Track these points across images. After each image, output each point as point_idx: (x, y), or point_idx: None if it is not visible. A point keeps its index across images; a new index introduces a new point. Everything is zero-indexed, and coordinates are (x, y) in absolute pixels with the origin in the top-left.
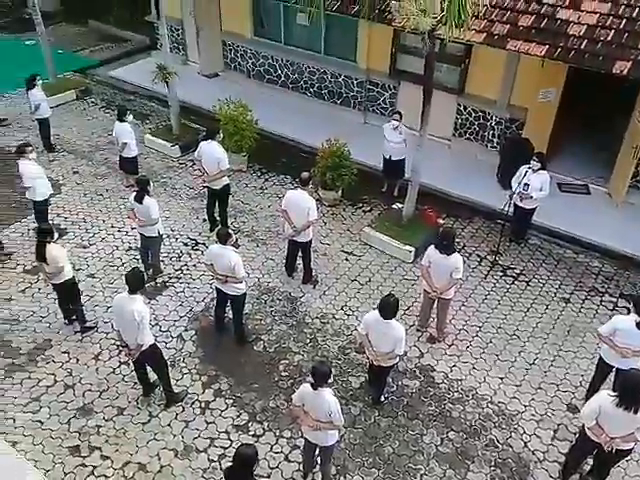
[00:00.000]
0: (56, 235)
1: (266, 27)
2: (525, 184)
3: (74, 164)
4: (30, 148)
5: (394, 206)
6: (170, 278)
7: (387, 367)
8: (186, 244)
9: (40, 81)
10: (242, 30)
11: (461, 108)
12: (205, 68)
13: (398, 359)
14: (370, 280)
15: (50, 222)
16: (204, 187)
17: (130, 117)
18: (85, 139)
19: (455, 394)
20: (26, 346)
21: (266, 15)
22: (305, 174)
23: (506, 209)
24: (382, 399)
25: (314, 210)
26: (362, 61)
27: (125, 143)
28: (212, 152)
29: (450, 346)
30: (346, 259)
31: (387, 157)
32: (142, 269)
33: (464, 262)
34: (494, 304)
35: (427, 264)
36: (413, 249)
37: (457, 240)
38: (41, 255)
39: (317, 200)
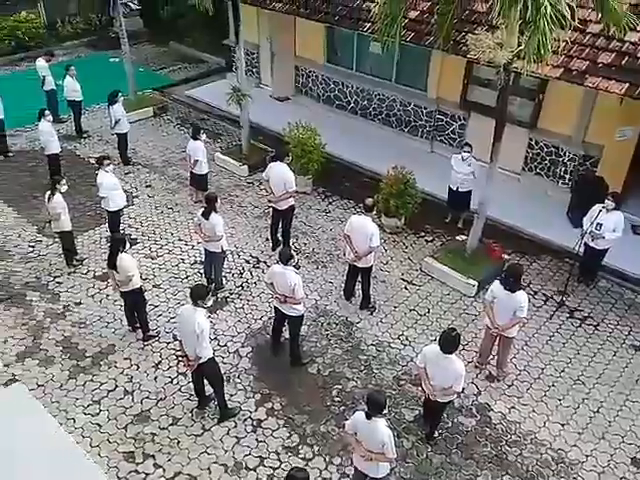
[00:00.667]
0: (128, 245)
1: (339, 54)
2: (598, 224)
3: (147, 178)
4: (109, 160)
5: (458, 238)
6: (231, 294)
7: (443, 403)
8: (248, 261)
9: (122, 97)
10: (315, 56)
11: (533, 142)
12: (277, 91)
13: (455, 395)
14: (429, 311)
15: (122, 232)
16: (269, 207)
17: (204, 136)
18: (159, 154)
19: (512, 436)
20: (91, 350)
21: (339, 43)
22: (369, 200)
23: (576, 248)
24: (436, 435)
25: (377, 237)
26: (432, 90)
27: (197, 160)
28: (280, 173)
29: (510, 386)
30: (405, 288)
31: (454, 188)
32: (205, 283)
33: (529, 300)
34: (558, 346)
35: (491, 299)
36: (476, 283)
37: (523, 277)
38: (113, 263)
39: (379, 226)
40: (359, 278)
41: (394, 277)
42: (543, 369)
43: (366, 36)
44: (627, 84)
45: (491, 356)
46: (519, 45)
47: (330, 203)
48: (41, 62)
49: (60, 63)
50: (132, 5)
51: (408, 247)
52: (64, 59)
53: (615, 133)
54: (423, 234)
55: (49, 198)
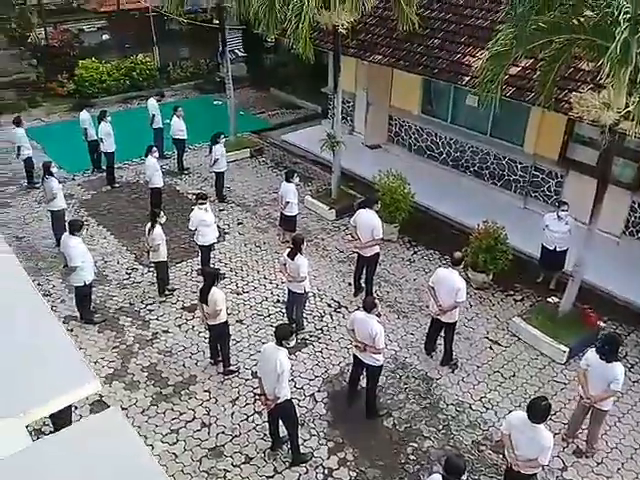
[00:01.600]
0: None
1: (434, 106)
2: None
3: (240, 216)
4: (204, 201)
5: (549, 299)
6: (310, 336)
7: (526, 475)
8: (330, 305)
9: (224, 138)
10: (410, 107)
11: (636, 205)
12: (369, 139)
13: (540, 468)
14: (515, 375)
15: (212, 266)
16: (354, 252)
17: (297, 179)
18: (252, 194)
19: None
20: (174, 378)
21: (435, 94)
22: (458, 254)
23: None
24: None
25: (463, 292)
26: (529, 146)
27: (288, 202)
28: (368, 220)
29: (599, 464)
30: (490, 347)
31: (551, 248)
32: (288, 323)
33: (625, 373)
34: None
35: (585, 367)
36: (567, 349)
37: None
38: (204, 296)
39: (465, 280)
40: (442, 333)
41: (479, 335)
42: (637, 449)
43: (463, 89)
44: None
45: (580, 429)
46: (627, 106)
47: (415, 252)
48: (152, 102)
49: (169, 103)
50: (239, 52)
51: (495, 305)
52: (172, 100)
53: None
54: (512, 292)
55: (149, 231)
